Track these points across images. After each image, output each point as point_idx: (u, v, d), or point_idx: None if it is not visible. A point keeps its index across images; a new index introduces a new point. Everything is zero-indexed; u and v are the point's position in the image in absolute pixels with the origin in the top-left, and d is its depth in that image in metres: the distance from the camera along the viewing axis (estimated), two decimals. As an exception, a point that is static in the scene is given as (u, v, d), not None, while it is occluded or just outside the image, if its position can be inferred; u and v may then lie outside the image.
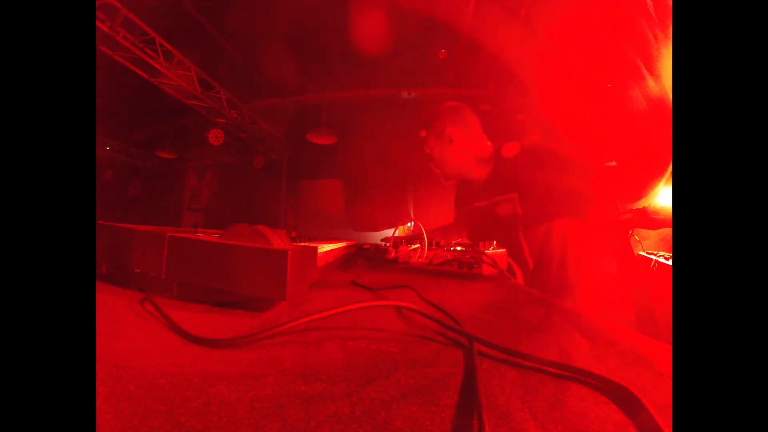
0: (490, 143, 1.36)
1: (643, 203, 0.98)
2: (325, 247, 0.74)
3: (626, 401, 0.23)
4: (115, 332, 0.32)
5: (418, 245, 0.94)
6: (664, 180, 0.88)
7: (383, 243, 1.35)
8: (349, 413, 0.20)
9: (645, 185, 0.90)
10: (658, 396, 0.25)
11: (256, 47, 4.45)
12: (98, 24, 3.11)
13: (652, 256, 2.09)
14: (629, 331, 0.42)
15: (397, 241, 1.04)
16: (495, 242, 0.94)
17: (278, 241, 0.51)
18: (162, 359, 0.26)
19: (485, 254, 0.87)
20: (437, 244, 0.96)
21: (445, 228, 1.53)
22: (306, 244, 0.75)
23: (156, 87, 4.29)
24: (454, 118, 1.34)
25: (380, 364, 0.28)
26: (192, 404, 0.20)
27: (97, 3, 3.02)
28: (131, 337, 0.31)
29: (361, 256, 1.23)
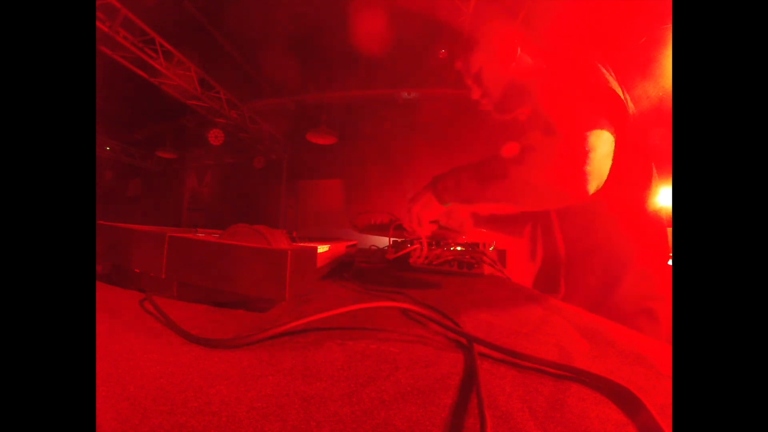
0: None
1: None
2: (325, 247, 0.74)
3: (626, 401, 0.23)
4: (115, 332, 0.32)
5: (418, 245, 0.94)
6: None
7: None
8: (349, 413, 0.20)
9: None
10: (658, 396, 0.25)
11: (256, 47, 4.45)
12: (98, 24, 3.12)
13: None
14: (629, 331, 0.42)
15: (397, 241, 1.04)
16: (495, 242, 0.94)
17: (278, 241, 0.51)
18: (162, 359, 0.26)
19: (485, 254, 0.87)
20: (437, 243, 0.96)
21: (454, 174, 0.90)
22: (306, 244, 0.75)
23: (156, 87, 4.29)
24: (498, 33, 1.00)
25: (380, 364, 0.28)
26: (192, 404, 0.20)
27: (97, 3, 3.03)
28: (131, 337, 0.31)
29: (361, 256, 1.23)
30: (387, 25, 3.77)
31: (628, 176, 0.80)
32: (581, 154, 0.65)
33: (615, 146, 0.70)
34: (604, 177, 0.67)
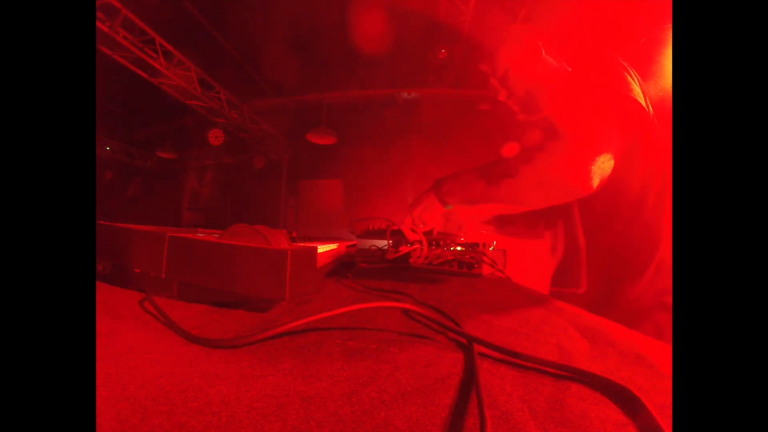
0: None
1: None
2: (325, 247, 0.74)
3: (626, 401, 0.23)
4: (115, 332, 0.32)
5: (418, 245, 0.94)
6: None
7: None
8: (349, 413, 0.20)
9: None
10: (658, 396, 0.25)
11: (256, 47, 4.45)
12: (98, 24, 3.12)
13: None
14: (629, 331, 0.42)
15: (396, 241, 1.04)
16: (495, 242, 0.94)
17: (278, 241, 0.51)
18: (162, 359, 0.26)
19: (485, 254, 0.87)
20: (437, 243, 0.96)
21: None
22: (306, 244, 0.75)
23: (156, 87, 4.29)
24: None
25: (380, 364, 0.28)
26: (192, 404, 0.20)
27: (97, 3, 3.03)
28: (131, 337, 0.31)
29: (361, 256, 1.23)
30: (387, 25, 3.76)
31: (650, 176, 0.83)
32: (588, 153, 0.71)
33: (634, 148, 0.76)
34: (608, 172, 0.73)
